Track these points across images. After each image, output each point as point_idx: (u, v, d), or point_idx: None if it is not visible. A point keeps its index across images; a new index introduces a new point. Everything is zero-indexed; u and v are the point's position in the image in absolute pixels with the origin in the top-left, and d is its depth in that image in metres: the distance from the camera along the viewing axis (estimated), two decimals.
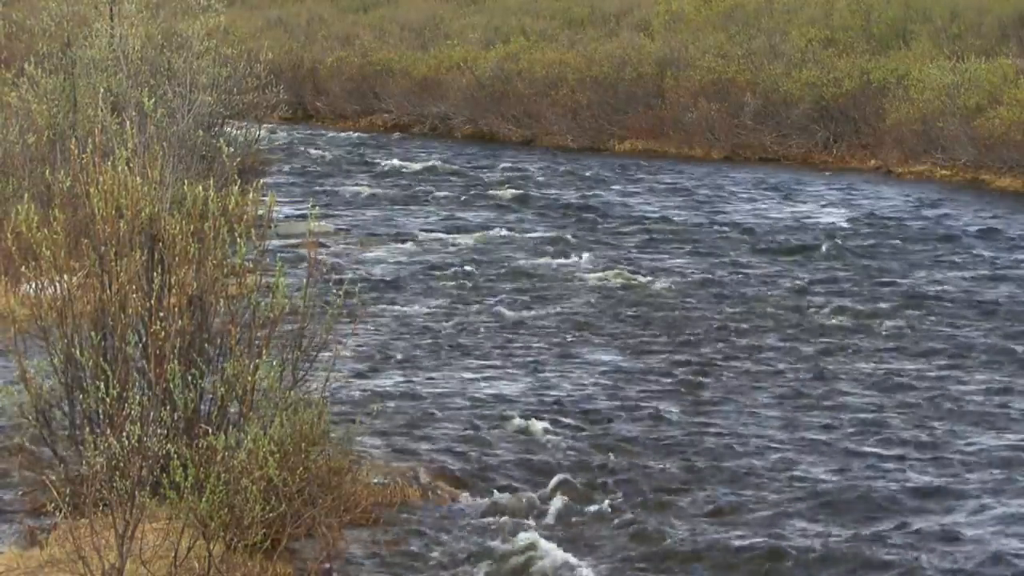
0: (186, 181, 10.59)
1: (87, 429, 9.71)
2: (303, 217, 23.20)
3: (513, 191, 28.56)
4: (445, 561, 10.12)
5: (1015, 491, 11.63)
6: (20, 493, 10.61)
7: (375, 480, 11.06)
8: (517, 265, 20.88)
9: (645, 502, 11.26)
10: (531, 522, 10.80)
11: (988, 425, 13.34)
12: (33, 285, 10.15)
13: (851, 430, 13.14)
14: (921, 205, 26.92)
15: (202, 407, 9.99)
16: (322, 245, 21.30)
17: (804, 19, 38.94)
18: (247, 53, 24.13)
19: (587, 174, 31.17)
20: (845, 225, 24.59)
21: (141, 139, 12.70)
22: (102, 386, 9.50)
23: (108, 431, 9.19)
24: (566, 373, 14.95)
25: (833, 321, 17.39)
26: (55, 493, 9.30)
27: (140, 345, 9.96)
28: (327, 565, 9.59)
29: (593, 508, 11.11)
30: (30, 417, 10.08)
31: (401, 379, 14.59)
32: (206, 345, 10.07)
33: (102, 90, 17.57)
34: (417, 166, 32.44)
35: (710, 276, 20.08)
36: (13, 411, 10.25)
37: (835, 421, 13.40)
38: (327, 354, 10.47)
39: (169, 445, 9.09)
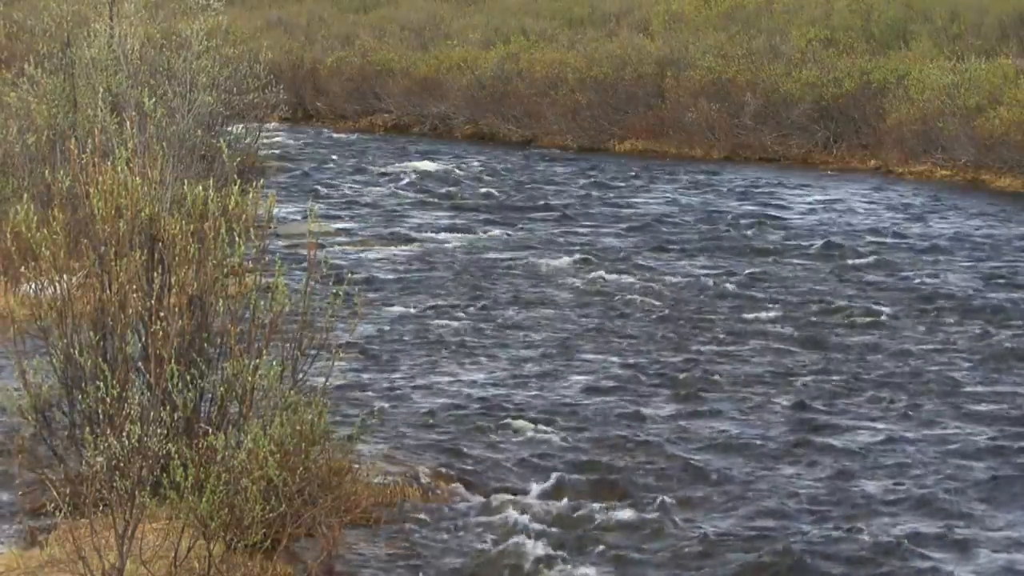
0: (186, 181, 10.58)
1: (87, 429, 9.70)
2: (303, 217, 23.22)
3: (513, 191, 28.56)
4: (445, 561, 10.12)
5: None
6: (20, 493, 10.60)
7: (375, 480, 11.06)
8: (517, 265, 20.87)
9: (645, 502, 11.25)
10: (531, 522, 10.80)
11: (991, 422, 13.35)
12: (33, 285, 10.15)
13: (853, 431, 13.15)
14: (921, 205, 26.92)
15: (202, 407, 9.99)
16: (322, 245, 21.28)
17: (804, 19, 38.97)
18: (247, 53, 24.13)
19: (587, 174, 31.16)
20: (843, 226, 24.59)
21: (141, 139, 12.69)
22: (102, 386, 9.49)
23: (108, 431, 9.18)
24: (566, 373, 14.95)
25: (833, 321, 17.42)
26: (55, 493, 9.29)
27: (140, 345, 9.96)
28: None
29: (593, 508, 11.10)
30: (30, 417, 10.08)
31: (401, 379, 14.59)
32: (206, 345, 10.07)
33: (102, 90, 17.57)
34: (417, 166, 32.44)
35: (710, 276, 20.09)
36: (13, 411, 10.24)
37: (837, 422, 13.41)
38: (327, 354, 10.47)
39: (169, 445, 9.08)
